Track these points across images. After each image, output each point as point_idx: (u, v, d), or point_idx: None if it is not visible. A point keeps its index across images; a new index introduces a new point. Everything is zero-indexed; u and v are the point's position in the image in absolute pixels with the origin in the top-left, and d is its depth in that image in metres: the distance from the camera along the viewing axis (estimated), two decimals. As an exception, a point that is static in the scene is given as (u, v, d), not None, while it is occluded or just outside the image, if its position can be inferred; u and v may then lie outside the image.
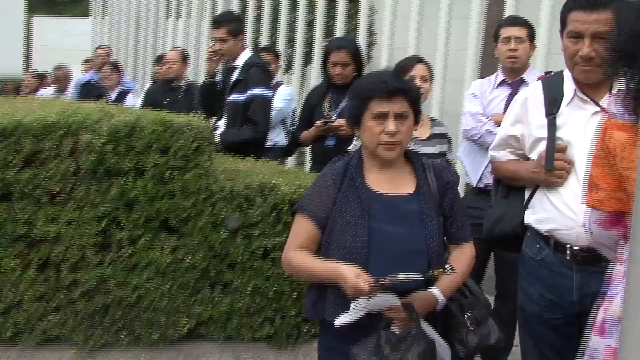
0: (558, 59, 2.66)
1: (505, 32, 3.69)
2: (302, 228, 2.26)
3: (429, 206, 2.24)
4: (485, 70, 5.71)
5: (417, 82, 3.19)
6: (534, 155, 2.51)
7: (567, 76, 2.46)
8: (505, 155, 2.65)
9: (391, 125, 2.17)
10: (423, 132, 3.29)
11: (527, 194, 2.56)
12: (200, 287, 3.34)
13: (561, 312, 2.41)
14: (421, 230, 2.21)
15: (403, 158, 2.32)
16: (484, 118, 3.67)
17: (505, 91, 3.73)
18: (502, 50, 3.70)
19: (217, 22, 4.43)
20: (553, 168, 2.37)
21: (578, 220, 2.21)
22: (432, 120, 3.50)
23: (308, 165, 5.45)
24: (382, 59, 5.92)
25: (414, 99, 2.24)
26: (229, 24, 4.31)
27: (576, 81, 2.41)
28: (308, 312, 2.31)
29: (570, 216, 2.32)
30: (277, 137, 5.24)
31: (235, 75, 4.28)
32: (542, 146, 2.44)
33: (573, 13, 2.32)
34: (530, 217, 2.51)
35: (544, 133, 2.43)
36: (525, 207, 2.54)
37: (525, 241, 2.55)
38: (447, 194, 2.30)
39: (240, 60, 4.29)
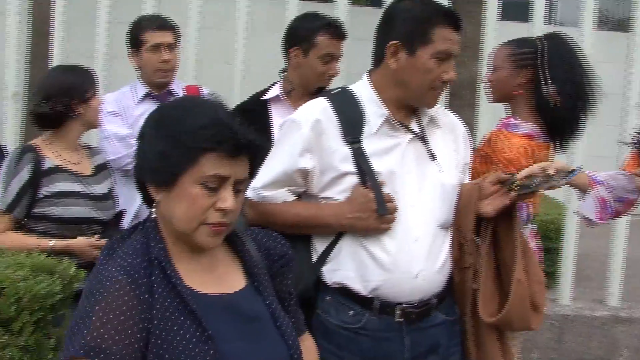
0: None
1: (153, 37, 3.10)
2: None
3: (273, 300, 1.54)
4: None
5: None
6: (335, 194, 1.95)
7: (367, 96, 2.01)
8: (284, 195, 2.01)
9: (229, 199, 1.39)
10: (85, 166, 2.68)
11: (318, 244, 2.00)
12: None
13: None
14: (281, 342, 1.50)
15: None
16: (134, 142, 3.12)
17: (152, 106, 2.94)
18: (151, 60, 3.11)
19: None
20: (386, 212, 1.90)
21: (411, 271, 1.91)
22: (88, 147, 2.78)
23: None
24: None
25: (261, 157, 1.50)
26: None
27: (389, 104, 1.99)
28: None
29: (402, 267, 1.91)
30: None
31: None
32: (348, 182, 1.93)
33: (444, 31, 1.92)
34: (338, 275, 1.96)
35: (351, 166, 1.93)
36: (321, 261, 1.99)
37: (325, 307, 1.98)
38: (284, 274, 1.61)
39: None
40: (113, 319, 1.29)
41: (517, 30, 3.41)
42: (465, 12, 4.27)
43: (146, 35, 3.10)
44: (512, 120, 2.58)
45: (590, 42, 4.34)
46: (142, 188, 1.47)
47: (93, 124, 2.71)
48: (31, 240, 2.47)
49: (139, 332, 1.31)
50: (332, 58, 2.87)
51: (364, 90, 2.03)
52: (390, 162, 1.95)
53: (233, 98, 3.79)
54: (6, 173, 2.50)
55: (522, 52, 2.60)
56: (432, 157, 2.01)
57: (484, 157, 2.47)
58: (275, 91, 2.95)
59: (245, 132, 1.39)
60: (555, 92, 2.50)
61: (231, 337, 1.41)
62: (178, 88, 3.23)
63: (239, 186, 1.42)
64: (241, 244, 1.55)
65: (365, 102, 2.00)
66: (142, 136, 1.45)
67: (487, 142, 2.52)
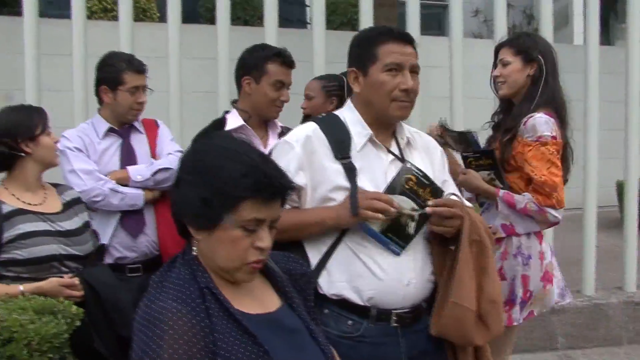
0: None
1: (133, 80, 3.15)
2: None
3: (305, 314, 1.70)
4: None
5: None
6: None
7: (351, 118, 2.18)
8: None
9: (266, 239, 1.53)
10: (52, 204, 2.66)
11: (312, 256, 2.11)
12: None
13: None
14: (319, 351, 1.67)
15: None
16: (102, 176, 3.07)
17: (115, 140, 3.21)
18: (128, 100, 3.15)
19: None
20: (356, 213, 2.01)
21: (402, 279, 2.06)
22: (56, 185, 2.77)
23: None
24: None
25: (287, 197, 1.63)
26: None
27: (371, 125, 2.16)
28: None
29: (394, 276, 2.06)
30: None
31: None
32: (341, 197, 2.07)
33: (387, 45, 2.11)
34: (335, 287, 2.07)
35: (343, 180, 2.08)
36: (317, 273, 2.09)
37: (324, 320, 2.06)
38: (307, 290, 1.78)
39: None
40: (183, 345, 1.40)
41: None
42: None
43: (126, 76, 3.15)
44: None
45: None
46: (176, 222, 1.60)
47: (48, 162, 2.65)
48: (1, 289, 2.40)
49: (207, 356, 1.43)
50: (282, 85, 3.05)
51: (348, 114, 2.21)
52: (375, 179, 2.10)
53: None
54: None
55: (331, 84, 3.49)
56: None
57: None
58: (236, 121, 3.07)
59: (279, 177, 1.53)
60: None
61: (281, 349, 1.56)
62: (136, 122, 3.28)
63: (273, 223, 1.56)
64: (268, 267, 1.69)
65: (349, 123, 2.18)
66: (179, 181, 1.56)
67: None
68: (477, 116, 3.49)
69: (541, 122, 2.82)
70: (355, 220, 2.04)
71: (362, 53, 2.16)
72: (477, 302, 2.09)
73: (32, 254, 2.48)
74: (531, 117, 2.85)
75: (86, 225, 2.72)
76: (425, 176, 2.09)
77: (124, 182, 3.11)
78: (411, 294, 2.10)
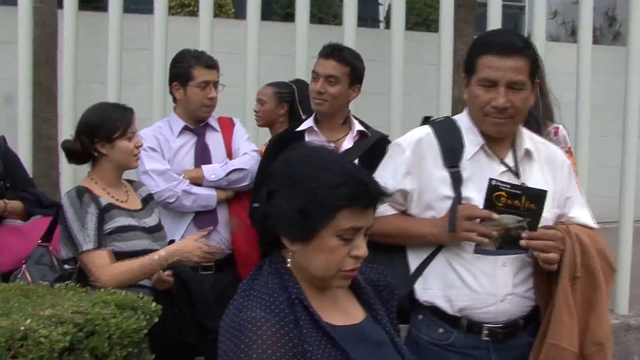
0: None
1: (202, 75, 3.20)
2: None
3: (389, 326, 1.68)
4: None
5: None
6: (427, 215, 2.11)
7: (465, 125, 2.15)
8: (385, 209, 2.12)
9: (362, 247, 1.53)
10: (133, 201, 2.72)
11: (412, 262, 2.14)
12: None
13: None
14: None
15: None
16: (175, 176, 3.12)
17: (190, 139, 3.26)
18: (198, 96, 3.19)
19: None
20: (454, 229, 1.99)
21: (497, 294, 2.03)
22: (130, 182, 2.82)
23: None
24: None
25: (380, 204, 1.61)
26: None
27: (483, 134, 2.11)
28: None
29: (488, 290, 2.03)
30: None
31: None
32: (446, 205, 2.05)
33: (485, 58, 2.03)
34: (428, 294, 2.09)
35: (448, 189, 2.06)
36: (414, 278, 2.12)
37: (416, 323, 2.13)
38: (390, 302, 1.75)
39: None
40: (271, 356, 1.40)
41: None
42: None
43: (194, 71, 3.19)
44: None
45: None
46: (263, 233, 1.59)
47: (124, 165, 2.69)
48: (139, 261, 2.52)
49: None
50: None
51: (463, 120, 2.18)
52: (483, 189, 2.01)
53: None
54: (76, 216, 2.52)
55: (283, 91, 3.72)
56: None
57: None
58: (308, 123, 3.08)
59: (374, 184, 1.53)
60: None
61: None
62: (212, 121, 3.33)
63: (367, 231, 1.56)
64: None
65: (464, 130, 2.15)
66: (274, 192, 1.54)
67: None
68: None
69: (566, 134, 2.83)
70: (455, 238, 2.01)
71: (468, 61, 2.13)
72: (580, 342, 1.99)
73: (129, 247, 2.58)
74: (557, 127, 2.83)
75: (160, 221, 2.79)
76: (515, 186, 1.99)
77: (198, 181, 3.15)
78: (505, 309, 2.04)
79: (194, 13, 9.44)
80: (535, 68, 2.08)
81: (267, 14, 9.65)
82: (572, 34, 12.22)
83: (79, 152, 2.63)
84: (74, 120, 4.47)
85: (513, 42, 2.04)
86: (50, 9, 5.01)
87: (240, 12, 8.88)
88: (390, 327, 1.68)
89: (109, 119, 2.62)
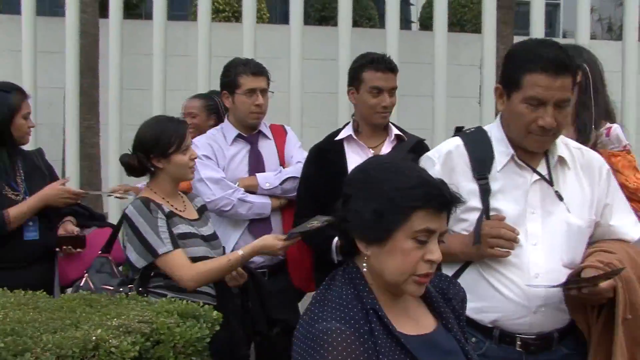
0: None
1: (249, 82, 3.19)
2: None
3: (460, 336, 1.67)
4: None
5: None
6: (460, 230, 2.08)
7: (497, 136, 2.11)
8: None
9: (436, 251, 1.52)
10: (190, 211, 2.76)
11: (444, 272, 2.07)
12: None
13: None
14: None
15: None
16: (231, 184, 3.13)
17: (244, 147, 3.25)
18: (245, 103, 3.19)
19: None
20: (479, 242, 1.98)
21: (530, 305, 1.99)
22: (185, 193, 2.86)
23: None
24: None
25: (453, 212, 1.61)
26: None
27: (513, 144, 2.07)
28: None
29: (520, 302, 1.99)
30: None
31: None
32: (474, 218, 2.04)
33: (534, 76, 1.94)
34: None
35: (477, 201, 2.04)
36: None
37: None
38: (460, 310, 1.73)
39: None
40: None
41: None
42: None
43: (242, 79, 3.20)
44: None
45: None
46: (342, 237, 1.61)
47: (180, 178, 2.73)
48: (217, 261, 2.58)
49: None
50: (380, 91, 3.03)
51: (494, 131, 2.14)
52: (514, 199, 2.03)
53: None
54: (147, 223, 2.55)
55: (210, 103, 3.77)
56: (560, 197, 2.06)
57: None
58: (346, 131, 3.09)
59: (448, 189, 1.53)
60: None
61: None
62: (264, 128, 3.34)
63: (441, 237, 1.55)
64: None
65: (494, 141, 2.11)
66: (349, 197, 1.55)
67: None
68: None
69: (621, 132, 2.73)
70: (482, 254, 2.00)
71: (509, 74, 2.04)
72: None
73: (191, 253, 2.60)
74: (610, 127, 2.73)
75: (215, 231, 2.82)
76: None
77: (253, 189, 3.16)
78: (539, 321, 2.01)
79: (228, 19, 9.50)
80: (576, 78, 2.04)
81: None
82: (609, 31, 12.03)
83: (137, 167, 2.68)
84: (119, 128, 4.54)
85: (562, 60, 1.96)
86: (92, 19, 5.09)
87: (273, 17, 8.88)
88: (460, 336, 1.66)
89: (164, 134, 2.64)
